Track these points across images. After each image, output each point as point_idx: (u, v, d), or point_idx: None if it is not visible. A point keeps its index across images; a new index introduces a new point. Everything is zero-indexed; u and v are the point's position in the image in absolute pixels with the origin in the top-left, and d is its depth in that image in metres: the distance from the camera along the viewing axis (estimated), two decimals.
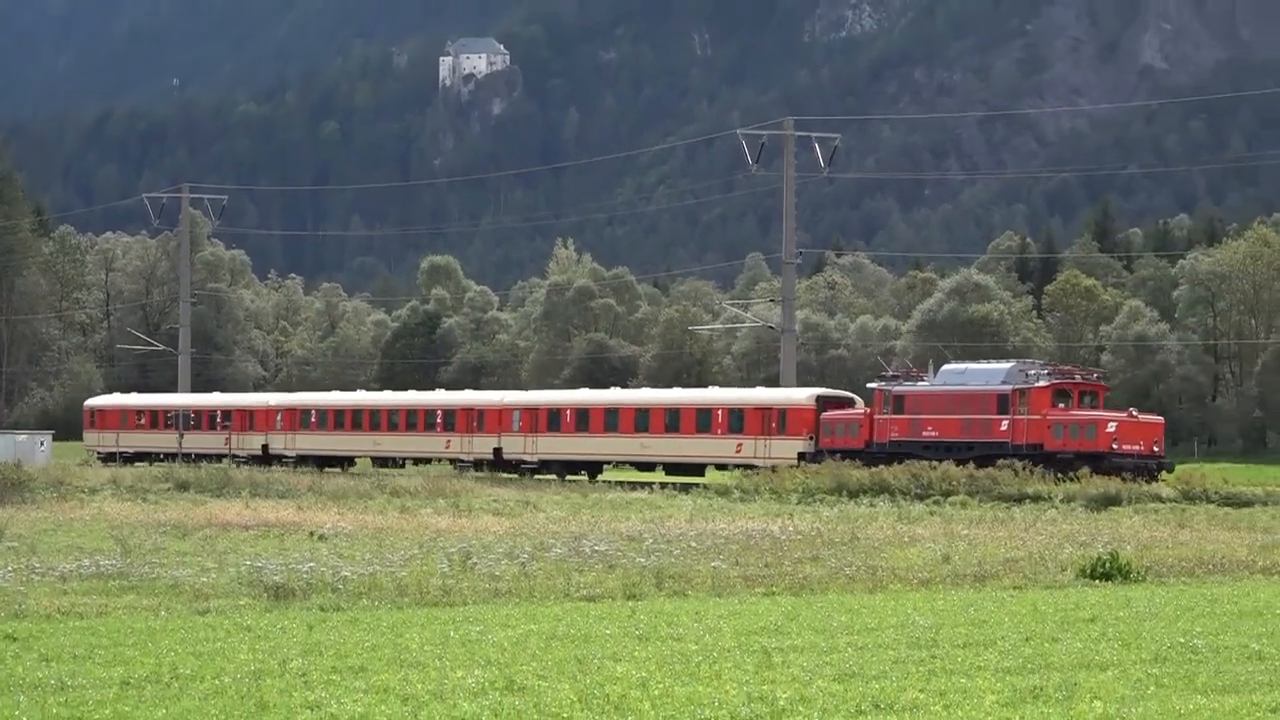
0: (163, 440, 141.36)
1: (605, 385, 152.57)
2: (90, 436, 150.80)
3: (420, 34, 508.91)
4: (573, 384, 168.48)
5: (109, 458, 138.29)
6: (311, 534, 53.71)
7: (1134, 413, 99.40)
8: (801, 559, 47.29)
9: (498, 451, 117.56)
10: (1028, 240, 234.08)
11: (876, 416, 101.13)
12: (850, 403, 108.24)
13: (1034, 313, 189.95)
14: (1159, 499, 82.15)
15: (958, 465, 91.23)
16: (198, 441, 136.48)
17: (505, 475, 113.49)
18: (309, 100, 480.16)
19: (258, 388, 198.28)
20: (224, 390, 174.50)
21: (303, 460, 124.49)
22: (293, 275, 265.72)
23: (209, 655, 27.68)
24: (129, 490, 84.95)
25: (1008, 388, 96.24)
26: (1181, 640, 31.08)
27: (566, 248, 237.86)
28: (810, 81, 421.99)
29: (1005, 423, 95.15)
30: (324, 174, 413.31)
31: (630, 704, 23.70)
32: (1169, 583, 43.66)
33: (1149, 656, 29.08)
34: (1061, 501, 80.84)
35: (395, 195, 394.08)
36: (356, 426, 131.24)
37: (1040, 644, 30.74)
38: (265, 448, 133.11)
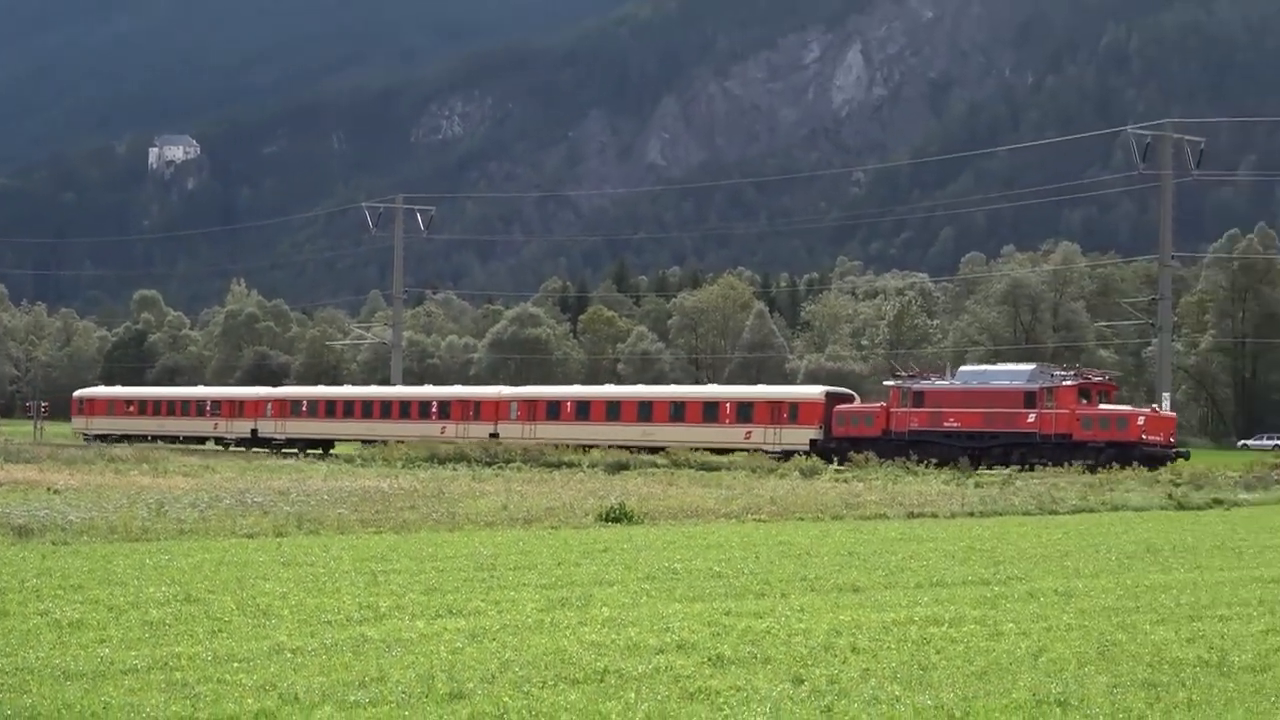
0: (148, 424, 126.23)
1: (271, 384, 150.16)
2: (79, 421, 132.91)
3: (135, 131, 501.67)
4: (243, 383, 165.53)
5: (99, 438, 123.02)
6: (48, 489, 52.31)
7: (1156, 408, 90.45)
8: (402, 507, 46.97)
9: (494, 435, 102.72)
10: (567, 284, 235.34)
11: (893, 410, 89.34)
12: (850, 398, 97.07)
13: (571, 335, 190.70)
14: (655, 465, 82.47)
15: (981, 452, 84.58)
16: (187, 425, 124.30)
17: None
18: (54, 177, 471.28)
19: (13, 384, 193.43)
20: None
21: (292, 443, 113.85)
22: (39, 303, 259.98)
23: None
24: None
25: (1034, 385, 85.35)
26: (666, 565, 31.27)
27: (239, 285, 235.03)
28: (416, 170, 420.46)
29: (1032, 415, 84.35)
30: (64, 230, 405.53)
31: (274, 610, 23.43)
32: (660, 524, 43.87)
33: (643, 576, 29.22)
34: (588, 467, 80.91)
35: (115, 247, 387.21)
36: (349, 414, 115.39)
37: (568, 568, 30.78)
38: (254, 431, 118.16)
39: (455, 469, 79.01)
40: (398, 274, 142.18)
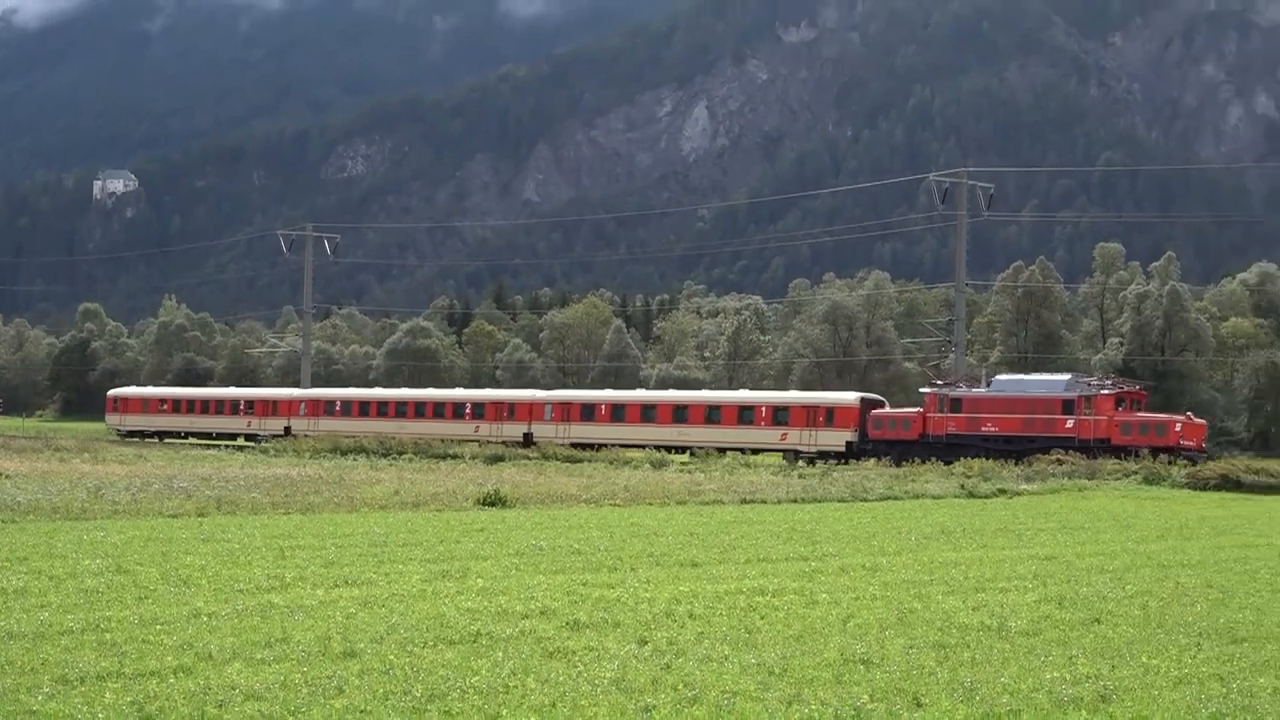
0: (181, 422, 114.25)
1: (198, 385, 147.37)
2: (113, 418, 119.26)
3: (82, 166, 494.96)
4: (174, 384, 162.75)
5: (132, 434, 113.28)
6: (0, 475, 51.66)
7: (1190, 415, 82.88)
8: (308, 492, 46.62)
9: (527, 435, 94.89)
10: (454, 302, 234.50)
11: (930, 415, 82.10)
12: (881, 404, 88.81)
13: (456, 345, 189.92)
14: (528, 458, 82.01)
15: (1020, 454, 75.76)
16: (221, 423, 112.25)
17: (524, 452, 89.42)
18: (10, 205, 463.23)
19: None
20: None
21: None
22: None
23: None
24: None
25: (1073, 394, 79.02)
26: (533, 543, 31.21)
27: (171, 300, 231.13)
28: (325, 203, 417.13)
29: (1070, 421, 77.79)
30: (19, 251, 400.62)
31: (194, 580, 23.28)
32: (529, 508, 43.79)
33: (513, 552, 29.18)
34: (469, 458, 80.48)
35: (64, 266, 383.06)
36: (383, 414, 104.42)
37: (449, 545, 30.69)
38: (288, 429, 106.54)
39: (355, 459, 78.39)
40: (307, 292, 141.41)
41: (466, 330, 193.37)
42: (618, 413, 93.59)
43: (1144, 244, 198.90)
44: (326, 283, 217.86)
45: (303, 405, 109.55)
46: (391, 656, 16.88)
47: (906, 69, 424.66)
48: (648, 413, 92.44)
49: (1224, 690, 16.29)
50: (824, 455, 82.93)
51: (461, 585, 23.48)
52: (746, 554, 30.20)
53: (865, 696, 15.40)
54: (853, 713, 14.71)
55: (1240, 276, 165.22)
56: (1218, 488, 64.92)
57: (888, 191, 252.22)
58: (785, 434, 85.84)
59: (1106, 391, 79.23)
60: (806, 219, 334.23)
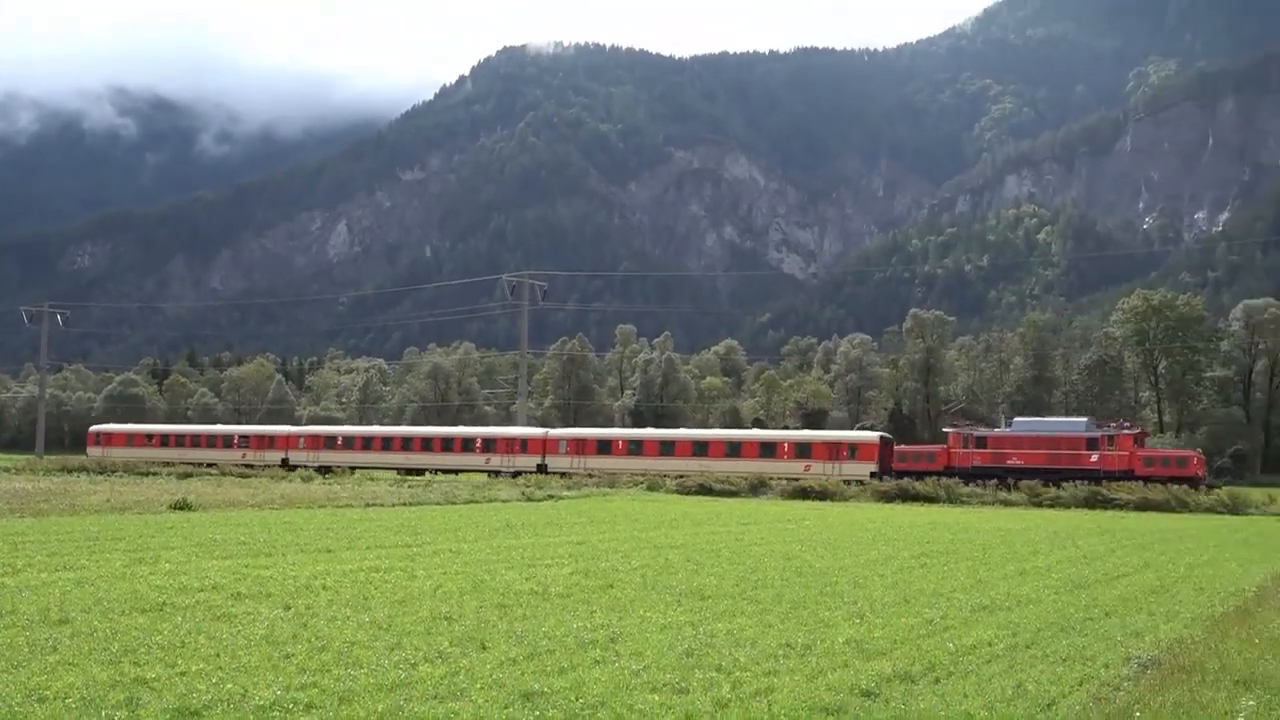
0: (170, 454, 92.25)
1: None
2: (94, 451, 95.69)
3: None
4: None
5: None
6: None
7: (1200, 451, 72.49)
8: (39, 501, 43.84)
9: (541, 466, 79.44)
10: (157, 360, 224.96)
11: (954, 450, 70.53)
12: (893, 442, 77.15)
13: (158, 393, 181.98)
14: (209, 474, 78.36)
15: (1043, 485, 63.76)
16: (217, 455, 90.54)
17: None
18: None
19: None
20: None
21: (323, 469, 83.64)
22: None
23: None
24: None
25: (1096, 433, 67.95)
26: (210, 536, 29.97)
27: None
28: (60, 288, 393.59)
29: (1095, 456, 66.80)
30: None
31: None
32: (210, 511, 41.85)
33: (194, 544, 27.93)
34: (166, 475, 76.44)
35: None
36: (386, 448, 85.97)
37: (146, 539, 29.21)
38: (285, 460, 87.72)
39: (79, 476, 74.03)
40: (43, 352, 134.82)
41: (166, 382, 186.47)
42: (634, 447, 79.63)
43: (650, 326, 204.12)
44: (60, 346, 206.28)
45: (301, 439, 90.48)
46: (96, 622, 16.02)
47: (488, 201, 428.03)
48: (666, 447, 78.47)
49: (695, 633, 16.70)
50: (846, 484, 68.08)
51: (154, 568, 22.42)
52: (366, 542, 29.68)
53: (447, 643, 15.28)
54: (437, 655, 14.57)
55: (714, 349, 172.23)
56: (697, 493, 66.83)
57: (475, 287, 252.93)
58: (809, 465, 73.48)
59: (1128, 431, 69.49)
60: (417, 305, 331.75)
